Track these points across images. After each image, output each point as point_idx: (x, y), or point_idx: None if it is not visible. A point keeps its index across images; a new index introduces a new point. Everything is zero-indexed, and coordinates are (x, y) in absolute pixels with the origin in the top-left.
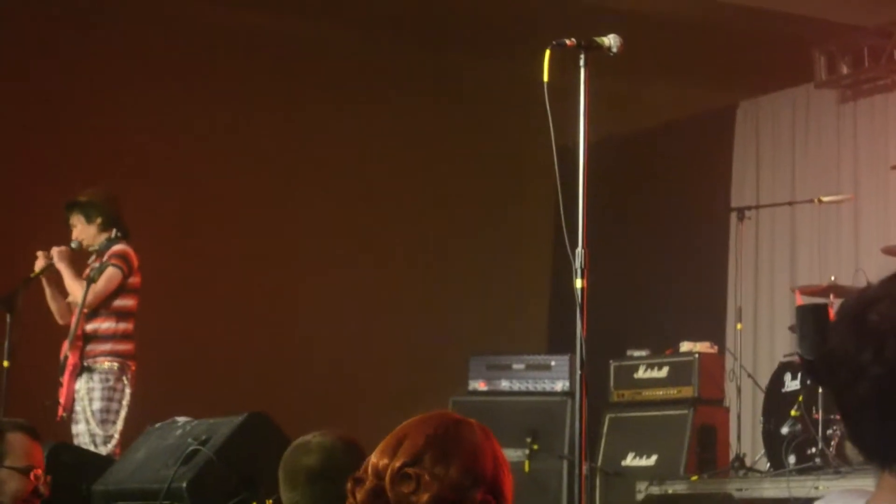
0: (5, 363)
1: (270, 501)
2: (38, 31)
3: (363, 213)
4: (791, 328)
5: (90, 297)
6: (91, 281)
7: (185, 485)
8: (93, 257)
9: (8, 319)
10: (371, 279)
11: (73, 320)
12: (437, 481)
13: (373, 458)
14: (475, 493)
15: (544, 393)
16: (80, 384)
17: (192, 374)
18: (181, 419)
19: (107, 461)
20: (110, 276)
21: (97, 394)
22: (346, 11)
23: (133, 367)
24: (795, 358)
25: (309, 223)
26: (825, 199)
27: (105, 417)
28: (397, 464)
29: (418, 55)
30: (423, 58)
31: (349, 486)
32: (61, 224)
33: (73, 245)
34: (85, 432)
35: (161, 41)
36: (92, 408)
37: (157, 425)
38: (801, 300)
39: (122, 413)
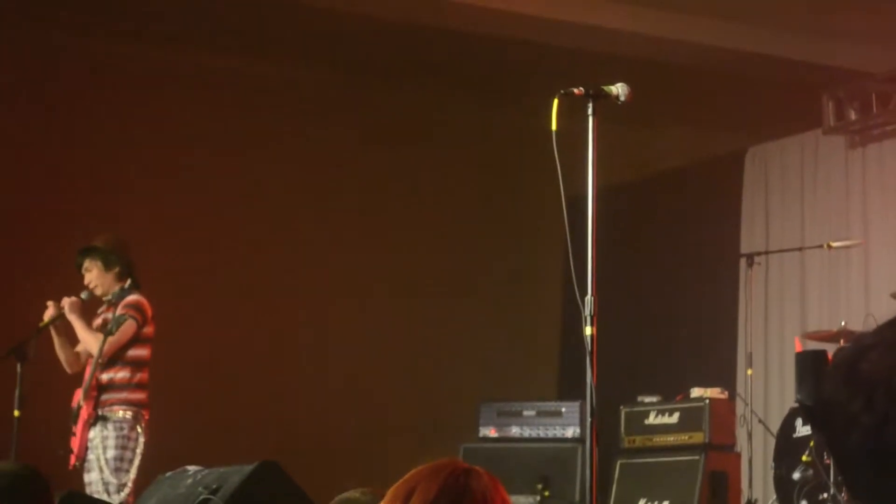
0: (16, 413)
1: None
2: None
3: (373, 262)
4: None
5: (106, 347)
6: (109, 333)
7: None
8: (103, 306)
9: (18, 369)
10: (381, 326)
11: (88, 371)
12: None
13: None
14: None
15: (555, 439)
16: (95, 433)
17: (203, 423)
18: (192, 468)
19: None
20: (126, 327)
21: (111, 442)
22: (367, 61)
23: (147, 417)
24: None
25: (318, 270)
26: (835, 244)
27: (119, 466)
28: None
29: (430, 103)
30: (434, 105)
31: None
32: (70, 272)
33: (84, 296)
34: (98, 481)
35: (161, 91)
36: (106, 456)
37: (168, 474)
38: (800, 346)
39: (136, 462)
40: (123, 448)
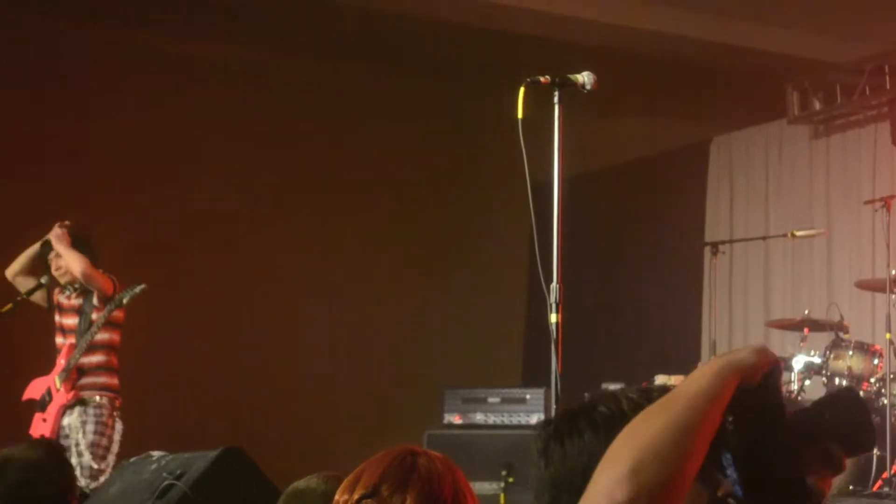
0: None
1: None
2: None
3: (338, 246)
4: None
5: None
6: (86, 317)
7: None
8: (67, 292)
9: None
10: (346, 314)
11: (65, 356)
12: None
13: (336, 497)
14: None
15: (519, 426)
16: (72, 418)
17: (168, 409)
18: (156, 453)
19: (81, 496)
20: (105, 279)
21: (90, 427)
22: (337, 46)
23: (118, 403)
24: None
25: (284, 259)
26: (798, 233)
27: (95, 452)
28: (355, 497)
29: (395, 89)
30: (399, 92)
31: None
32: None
33: (44, 280)
34: (76, 465)
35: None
36: (86, 440)
37: (132, 459)
38: None
39: (114, 448)
40: (101, 434)
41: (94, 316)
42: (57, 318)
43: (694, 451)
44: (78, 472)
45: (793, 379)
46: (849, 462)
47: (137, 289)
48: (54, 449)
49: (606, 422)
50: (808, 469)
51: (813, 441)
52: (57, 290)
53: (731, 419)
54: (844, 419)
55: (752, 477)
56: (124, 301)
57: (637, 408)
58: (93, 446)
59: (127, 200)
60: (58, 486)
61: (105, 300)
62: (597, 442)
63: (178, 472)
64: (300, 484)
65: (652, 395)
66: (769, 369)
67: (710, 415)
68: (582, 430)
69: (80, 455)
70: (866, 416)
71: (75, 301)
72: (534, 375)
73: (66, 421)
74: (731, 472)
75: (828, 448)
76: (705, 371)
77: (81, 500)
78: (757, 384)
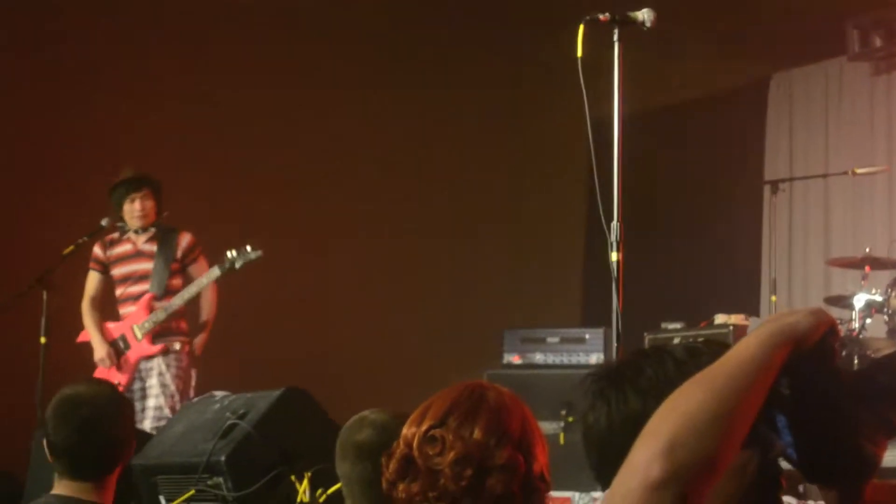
0: (43, 339)
1: (309, 475)
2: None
3: (397, 188)
4: (826, 300)
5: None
6: (166, 264)
7: (223, 458)
8: (126, 234)
9: (44, 297)
10: (404, 255)
11: (148, 304)
12: (461, 441)
13: (403, 430)
14: (502, 452)
15: (579, 366)
16: (157, 362)
17: (229, 352)
18: (219, 393)
19: (146, 436)
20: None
21: (173, 370)
22: None
23: (187, 348)
24: None
25: (341, 198)
26: (859, 170)
27: (174, 396)
28: (423, 428)
29: (452, 30)
30: (456, 34)
31: (383, 460)
32: (95, 201)
33: (104, 222)
34: (163, 406)
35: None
36: (171, 386)
37: (195, 400)
38: None
39: (190, 393)
40: (179, 378)
41: (173, 266)
42: (124, 264)
43: (735, 427)
44: (168, 412)
45: (854, 317)
46: None
47: (253, 255)
48: (117, 391)
49: (652, 387)
50: (864, 434)
51: (868, 405)
52: (116, 235)
53: (785, 383)
54: None
55: (806, 442)
56: (237, 266)
57: (683, 372)
58: (176, 391)
59: (181, 140)
60: (122, 427)
61: (189, 254)
62: (642, 408)
63: (242, 411)
64: (360, 413)
65: (701, 357)
66: (825, 331)
67: (756, 388)
68: (627, 394)
69: (167, 396)
70: None
71: (147, 246)
72: (593, 315)
73: (143, 365)
74: (785, 435)
75: (883, 412)
76: (751, 340)
77: (146, 440)
78: (813, 347)
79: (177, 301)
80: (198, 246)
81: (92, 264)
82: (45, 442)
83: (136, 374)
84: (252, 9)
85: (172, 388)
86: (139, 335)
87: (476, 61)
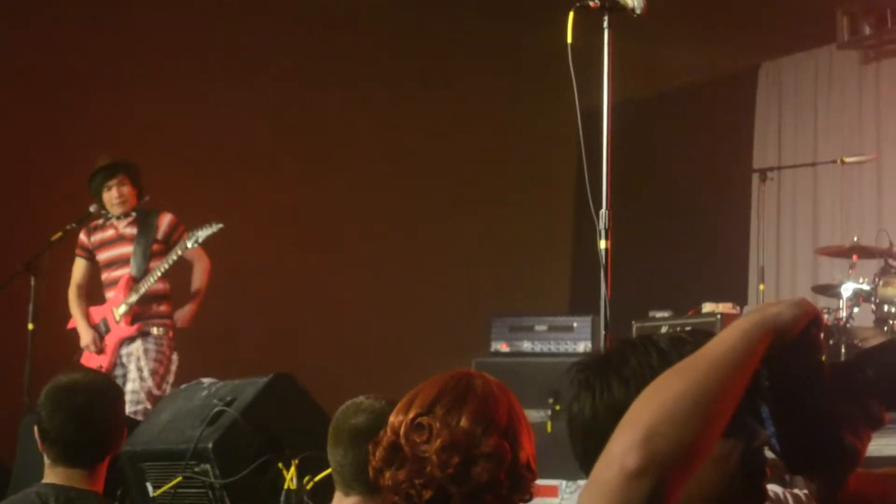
0: (30, 326)
1: (296, 462)
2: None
3: (384, 177)
4: (814, 289)
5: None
6: (146, 247)
7: (210, 445)
8: (109, 220)
9: (32, 282)
10: (392, 243)
11: (126, 287)
12: (447, 429)
13: (390, 418)
14: (488, 440)
15: (567, 354)
16: (135, 346)
17: (219, 338)
18: (206, 380)
19: (133, 422)
20: (201, 253)
21: (152, 355)
22: None
23: (171, 333)
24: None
25: (330, 188)
26: (848, 159)
27: (154, 380)
28: (410, 416)
29: (440, 20)
30: (445, 22)
31: (370, 448)
32: (79, 186)
33: (92, 208)
34: (138, 390)
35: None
36: (149, 367)
37: (183, 387)
38: None
39: (170, 378)
40: (160, 362)
41: (154, 248)
42: (107, 249)
43: (715, 416)
44: (144, 396)
45: (841, 306)
46: None
47: (215, 227)
48: (111, 379)
49: (635, 377)
50: (847, 426)
51: (853, 397)
52: (100, 221)
53: (766, 374)
54: (887, 374)
55: (787, 433)
56: (199, 241)
57: (666, 362)
58: (153, 373)
59: (163, 128)
60: (116, 414)
61: (172, 233)
62: (625, 397)
63: (229, 398)
64: (353, 399)
65: (685, 346)
66: (808, 323)
67: (735, 379)
68: (611, 383)
69: (144, 380)
70: None
71: (128, 230)
72: (581, 303)
73: (124, 350)
74: (769, 424)
75: (868, 405)
76: (733, 330)
77: (132, 427)
78: (796, 338)
79: (147, 282)
80: (180, 225)
81: (78, 251)
82: (36, 430)
83: (118, 360)
84: (253, 6)
85: (147, 372)
86: (117, 317)
87: (464, 50)
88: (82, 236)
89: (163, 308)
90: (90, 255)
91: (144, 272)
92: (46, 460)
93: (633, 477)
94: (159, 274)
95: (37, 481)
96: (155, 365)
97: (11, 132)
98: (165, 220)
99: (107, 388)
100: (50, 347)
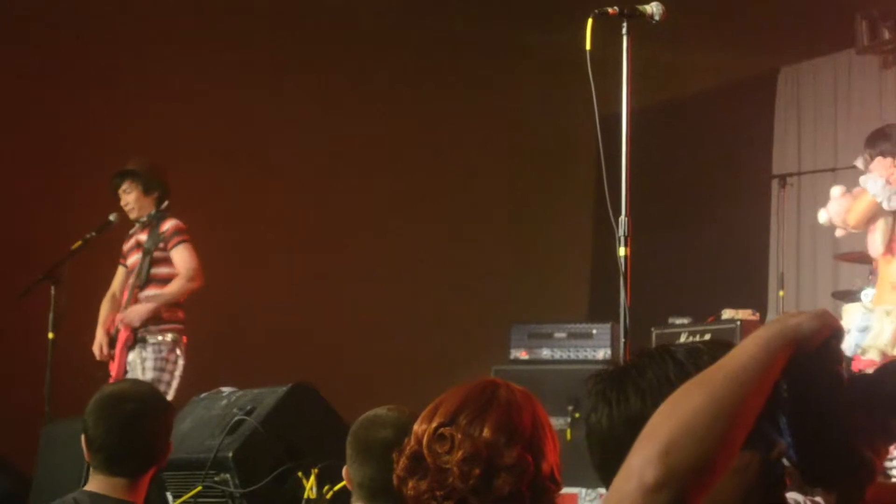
0: (51, 335)
1: (316, 471)
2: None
3: (403, 183)
4: (834, 295)
5: (186, 285)
6: (147, 253)
7: (230, 454)
8: (135, 227)
9: (52, 291)
10: (411, 249)
11: (126, 294)
12: (469, 440)
13: (414, 426)
14: (511, 451)
15: (586, 361)
16: (133, 355)
17: (237, 346)
18: (226, 389)
19: None
20: (188, 254)
21: (149, 364)
22: None
23: (185, 340)
24: None
25: (348, 193)
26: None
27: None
28: (433, 425)
29: (460, 25)
30: (464, 27)
31: (394, 457)
32: (97, 196)
33: (112, 217)
34: None
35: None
36: (144, 377)
37: (203, 395)
38: None
39: (174, 384)
40: (161, 370)
41: (156, 254)
42: (129, 256)
43: (734, 429)
44: None
45: None
46: None
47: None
48: (158, 391)
49: (652, 388)
50: (864, 440)
51: (870, 412)
52: (133, 228)
53: (785, 386)
54: None
55: (804, 445)
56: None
57: (684, 373)
58: (155, 383)
59: (175, 135)
60: (163, 426)
61: (170, 239)
62: (642, 409)
63: (249, 407)
64: (372, 412)
65: (702, 357)
66: (829, 335)
67: (755, 391)
68: (628, 395)
69: None
70: None
71: (142, 237)
72: (600, 310)
73: (130, 357)
74: (787, 435)
75: (885, 420)
76: (752, 341)
77: None
78: (815, 350)
79: (133, 282)
80: (178, 233)
81: (119, 259)
82: (83, 437)
83: (127, 368)
84: (254, 6)
85: (149, 380)
86: (120, 325)
87: (483, 55)
88: (124, 244)
89: (165, 315)
90: (125, 261)
91: (146, 279)
92: (91, 468)
93: (651, 491)
94: (136, 282)
95: (58, 491)
96: (156, 374)
97: (32, 141)
98: (166, 225)
99: (154, 399)
100: (70, 357)
